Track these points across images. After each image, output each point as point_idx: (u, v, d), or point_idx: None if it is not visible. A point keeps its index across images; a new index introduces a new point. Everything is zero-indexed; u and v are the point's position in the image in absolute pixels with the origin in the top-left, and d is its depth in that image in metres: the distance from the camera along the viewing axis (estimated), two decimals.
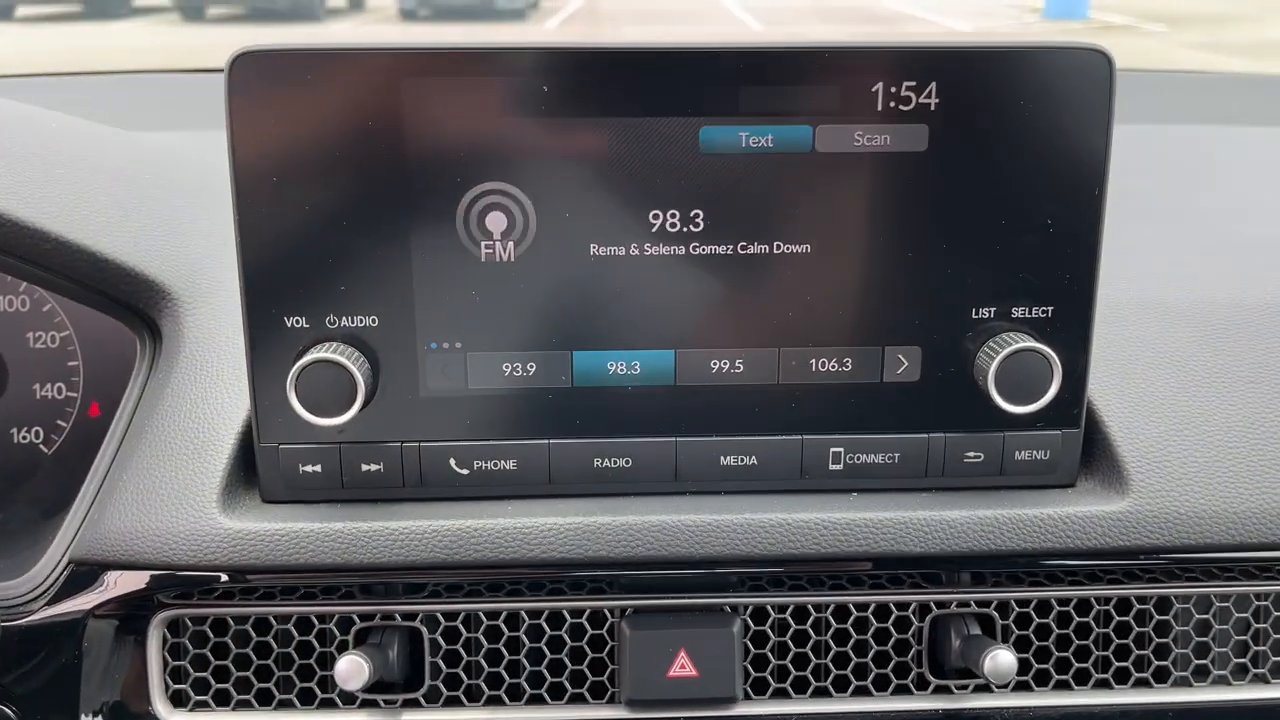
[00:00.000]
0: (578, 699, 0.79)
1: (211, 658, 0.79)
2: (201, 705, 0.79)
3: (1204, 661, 0.81)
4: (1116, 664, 0.81)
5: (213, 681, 0.79)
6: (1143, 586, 0.79)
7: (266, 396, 0.74)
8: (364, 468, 0.76)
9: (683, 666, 0.77)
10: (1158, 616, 0.80)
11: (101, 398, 0.96)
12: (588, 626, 0.79)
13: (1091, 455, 0.80)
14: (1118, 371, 0.83)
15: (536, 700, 0.80)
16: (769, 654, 0.80)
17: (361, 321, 0.73)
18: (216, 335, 0.83)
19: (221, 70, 0.70)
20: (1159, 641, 0.81)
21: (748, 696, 0.80)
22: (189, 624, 0.78)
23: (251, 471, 0.77)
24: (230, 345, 0.82)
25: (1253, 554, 0.76)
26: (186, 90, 1.41)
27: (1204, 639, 0.81)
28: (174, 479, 0.76)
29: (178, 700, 0.78)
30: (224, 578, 0.75)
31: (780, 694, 0.80)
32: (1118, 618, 0.81)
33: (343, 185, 0.71)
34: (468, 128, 0.70)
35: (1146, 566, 0.78)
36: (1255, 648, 0.81)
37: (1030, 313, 0.75)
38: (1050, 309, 0.75)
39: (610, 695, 0.79)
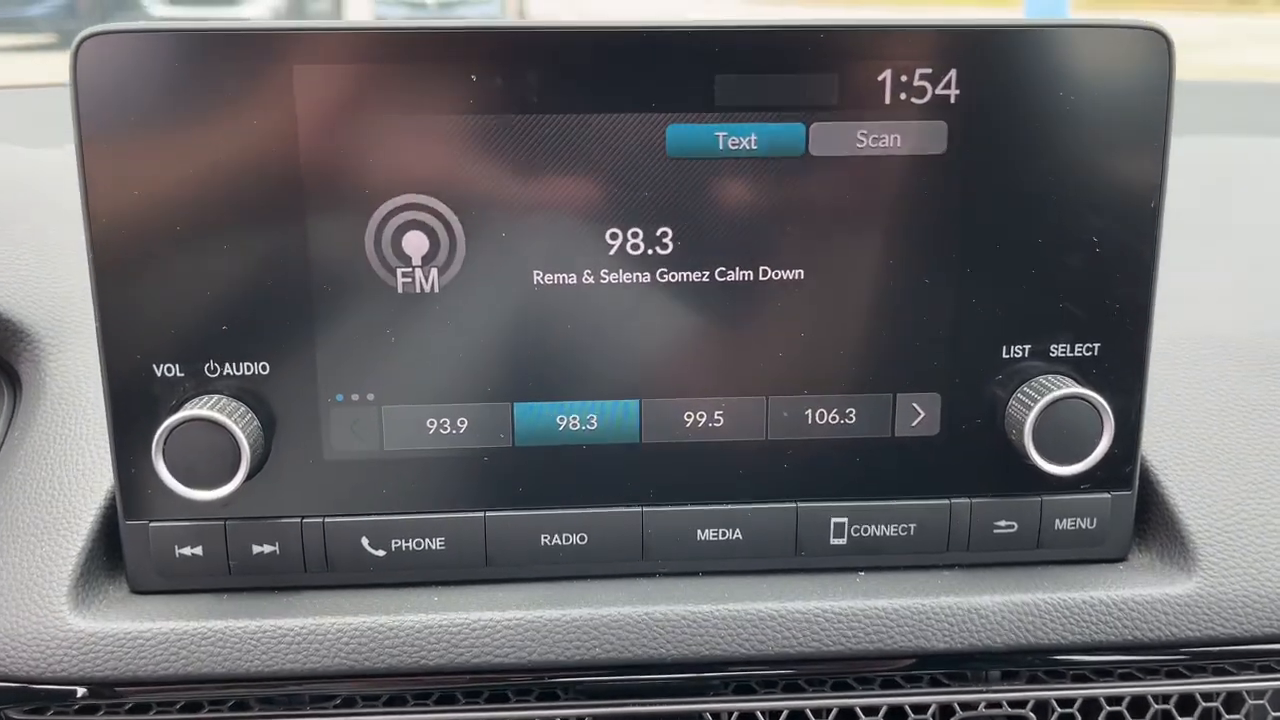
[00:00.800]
0: None
1: None
2: None
3: None
4: None
5: None
6: (1209, 680, 0.65)
7: (132, 463, 0.60)
8: (256, 549, 0.61)
9: None
10: (1227, 716, 0.66)
11: None
12: None
13: (1146, 523, 0.66)
14: (1173, 420, 0.69)
15: None
16: None
17: (249, 369, 0.59)
18: (85, 384, 0.69)
19: None
20: None
21: None
22: None
23: (117, 555, 0.63)
24: (97, 400, 0.68)
25: None
26: None
27: None
28: (18, 566, 0.61)
29: None
30: (81, 691, 0.60)
31: None
32: (1180, 719, 0.66)
33: (223, 200, 0.57)
34: (377, 127, 0.56)
35: (1213, 656, 0.64)
36: None
37: (1072, 350, 0.61)
38: (1096, 346, 0.61)
39: None
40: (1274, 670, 0.66)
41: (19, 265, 0.72)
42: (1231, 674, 0.65)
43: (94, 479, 0.64)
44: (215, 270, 0.57)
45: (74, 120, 0.55)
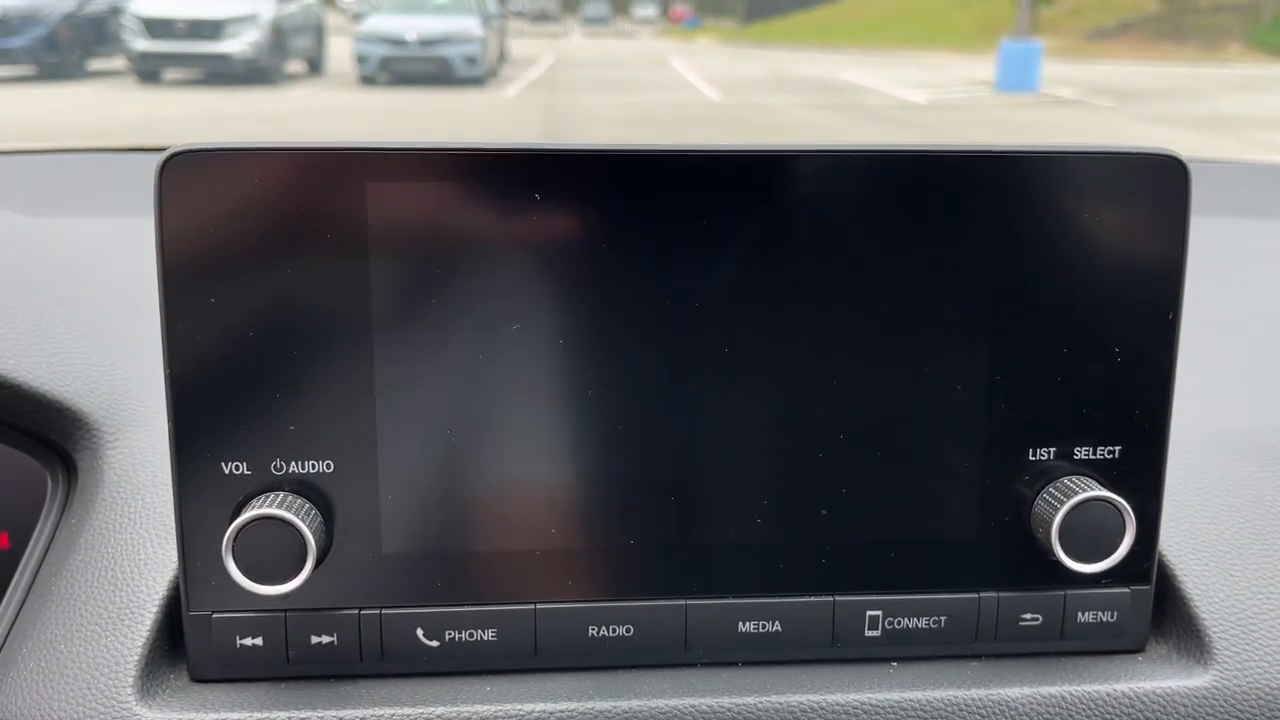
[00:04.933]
0: None
1: None
2: None
3: None
4: None
5: None
6: None
7: (198, 557, 0.62)
8: (314, 640, 0.63)
9: None
10: None
11: (12, 528, 0.83)
12: None
13: (1163, 615, 0.69)
14: (1186, 515, 0.72)
15: None
16: None
17: (314, 467, 0.61)
18: (143, 474, 0.71)
19: (160, 150, 0.59)
20: None
21: None
22: None
23: (179, 643, 0.65)
24: (159, 486, 0.70)
25: None
26: (120, 171, 1.29)
27: None
28: (83, 655, 0.63)
29: None
30: None
31: None
32: None
33: (294, 307, 0.59)
34: (445, 242, 0.59)
35: None
36: None
37: (1095, 453, 0.65)
38: (1118, 449, 0.65)
39: None
40: None
41: (78, 353, 0.74)
42: None
43: (156, 569, 0.66)
44: (285, 374, 0.60)
45: (156, 233, 0.58)
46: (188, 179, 0.58)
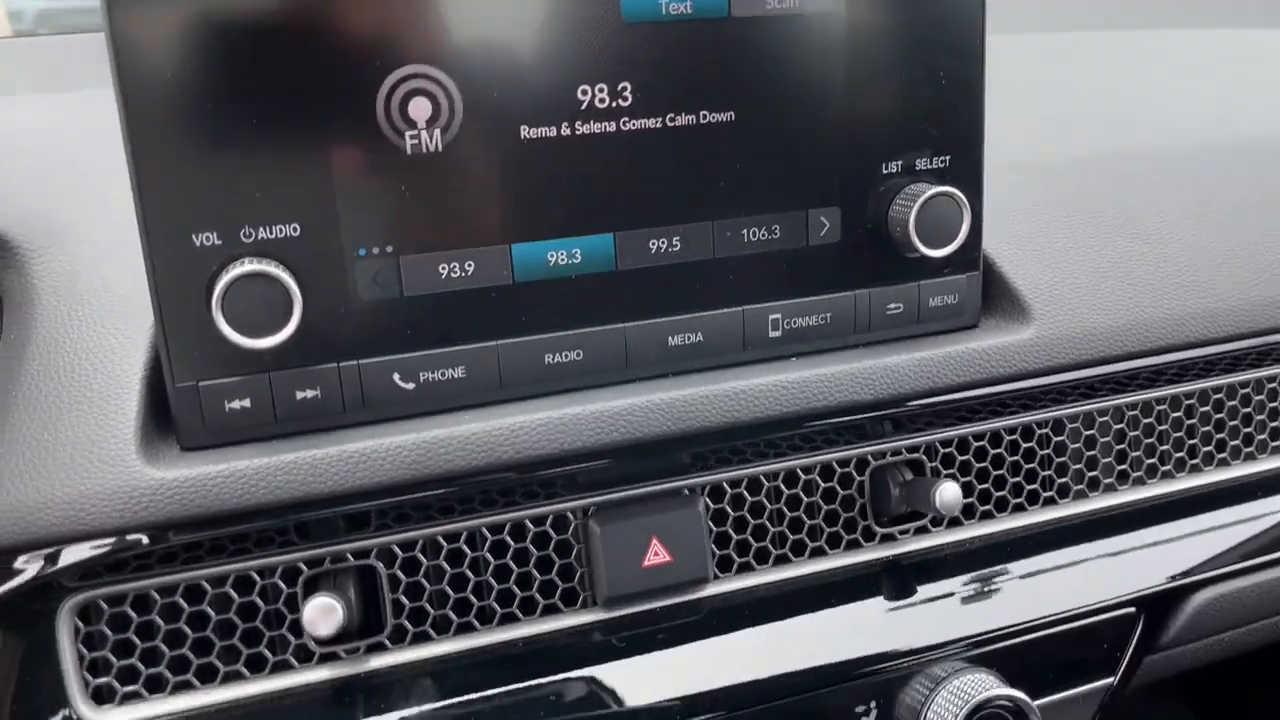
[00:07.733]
0: (551, 610, 0.76)
1: (137, 640, 0.69)
2: (133, 697, 0.68)
3: (1094, 474, 0.90)
4: (1027, 488, 0.88)
5: (142, 668, 0.69)
6: (1040, 412, 0.87)
7: (179, 330, 0.65)
8: (299, 395, 0.68)
9: (656, 554, 0.76)
10: (1055, 438, 0.88)
11: None
12: (552, 533, 0.76)
13: (988, 295, 0.85)
14: (1001, 221, 0.89)
15: (509, 619, 0.75)
16: (730, 531, 0.80)
17: (281, 232, 0.66)
18: (76, 284, 0.72)
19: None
20: (1059, 461, 0.88)
21: (715, 576, 0.79)
22: (104, 606, 0.68)
23: (162, 421, 0.68)
24: (100, 291, 0.72)
25: (1141, 361, 0.85)
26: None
27: (1092, 453, 0.90)
28: (72, 436, 0.65)
29: (102, 696, 0.68)
30: (145, 540, 0.65)
31: (745, 568, 0.81)
32: (1024, 445, 0.87)
33: (247, 80, 0.63)
34: (384, 6, 0.65)
35: (1042, 394, 0.85)
36: (1131, 454, 0.91)
37: (931, 163, 0.79)
38: (948, 158, 0.79)
39: (582, 600, 0.77)
40: (1081, 399, 0.88)
41: None
42: (1053, 406, 0.87)
43: (122, 357, 0.68)
44: (244, 144, 0.64)
45: (106, 18, 0.60)
46: None
